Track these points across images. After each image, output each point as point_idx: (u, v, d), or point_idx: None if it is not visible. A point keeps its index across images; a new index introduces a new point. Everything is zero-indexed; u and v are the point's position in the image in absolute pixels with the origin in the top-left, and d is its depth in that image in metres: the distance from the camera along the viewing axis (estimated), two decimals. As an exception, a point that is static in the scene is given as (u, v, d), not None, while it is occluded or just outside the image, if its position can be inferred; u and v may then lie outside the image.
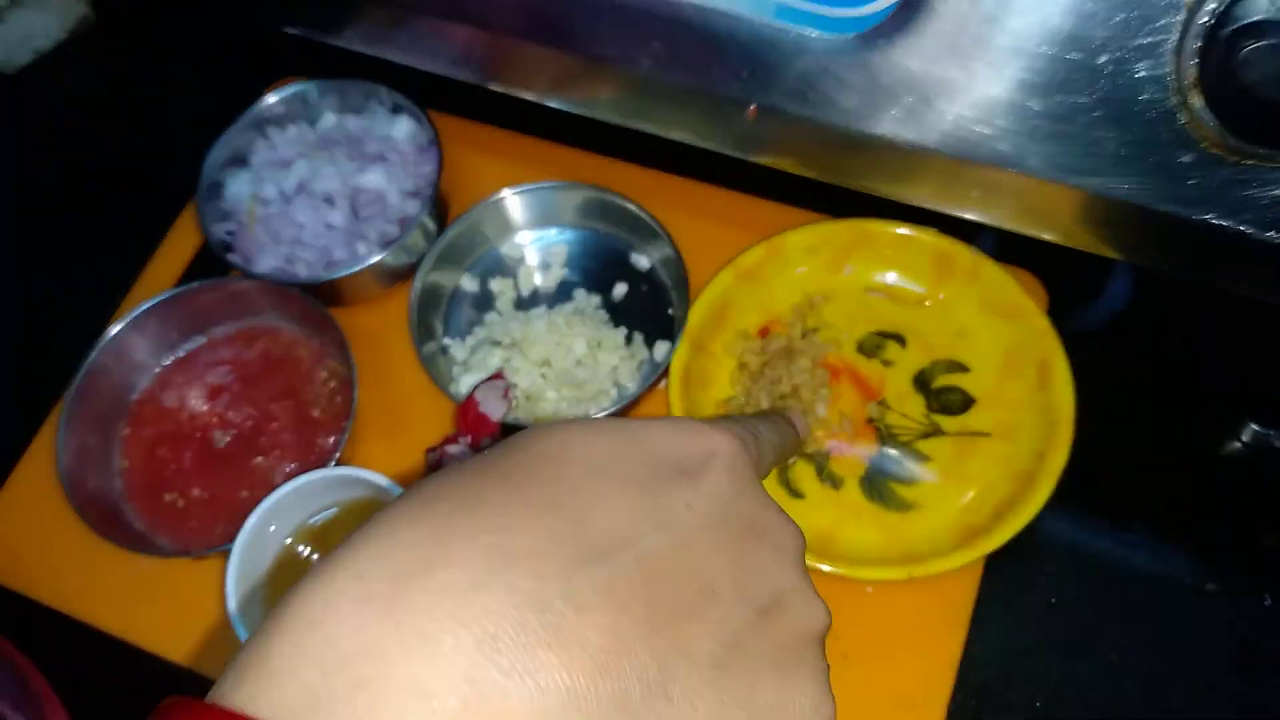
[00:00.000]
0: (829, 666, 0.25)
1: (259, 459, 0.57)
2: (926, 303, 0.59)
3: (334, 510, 0.53)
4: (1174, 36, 0.39)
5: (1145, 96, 0.40)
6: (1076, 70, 0.41)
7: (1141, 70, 0.40)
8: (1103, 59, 0.40)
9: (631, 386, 0.57)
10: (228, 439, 0.58)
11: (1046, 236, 0.48)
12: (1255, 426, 0.55)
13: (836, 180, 0.50)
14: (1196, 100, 0.39)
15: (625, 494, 0.22)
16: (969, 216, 0.48)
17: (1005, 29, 0.40)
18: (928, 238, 0.57)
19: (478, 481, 0.21)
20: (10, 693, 0.49)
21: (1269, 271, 0.44)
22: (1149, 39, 0.39)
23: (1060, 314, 0.57)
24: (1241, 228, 0.42)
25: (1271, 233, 0.41)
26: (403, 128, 0.62)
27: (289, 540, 0.52)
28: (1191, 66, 0.38)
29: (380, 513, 0.20)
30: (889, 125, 0.44)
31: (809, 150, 0.49)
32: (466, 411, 0.53)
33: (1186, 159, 0.41)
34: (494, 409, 0.53)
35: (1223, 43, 0.37)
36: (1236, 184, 0.41)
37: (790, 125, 0.47)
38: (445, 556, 0.19)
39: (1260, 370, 0.57)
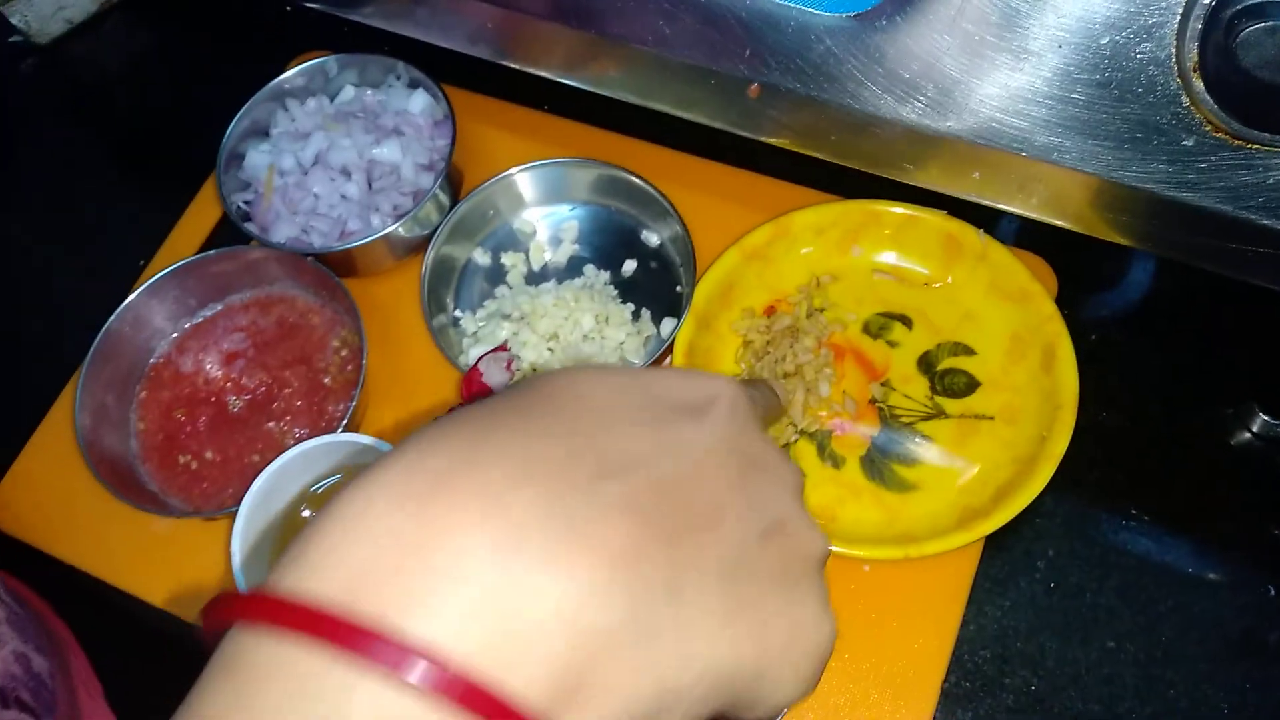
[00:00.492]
0: (829, 590, 0.27)
1: (271, 424, 0.58)
2: (934, 285, 0.58)
3: (339, 476, 0.54)
4: (1176, 18, 0.38)
5: (1147, 79, 0.40)
6: (1079, 52, 0.40)
7: (1144, 52, 0.39)
8: (1104, 40, 0.40)
9: (637, 362, 0.58)
10: (241, 404, 0.59)
11: (1050, 220, 0.48)
12: (1265, 417, 0.55)
13: (838, 159, 0.50)
14: (1198, 83, 0.39)
15: (636, 426, 0.23)
16: (970, 198, 0.48)
17: (1005, 10, 0.40)
18: (936, 220, 0.57)
19: (495, 415, 0.22)
20: (35, 639, 0.51)
21: (1272, 256, 0.43)
22: (1151, 20, 0.39)
23: (1075, 303, 0.57)
24: (1244, 213, 0.41)
25: (1272, 219, 0.41)
26: (418, 102, 0.63)
27: (297, 504, 0.53)
28: (1193, 49, 0.38)
29: (413, 434, 0.22)
30: (888, 105, 0.44)
31: (810, 128, 0.49)
32: (470, 381, 0.54)
33: (1189, 143, 0.41)
34: (496, 379, 0.54)
35: (1223, 25, 0.37)
36: (1239, 168, 0.41)
37: (791, 103, 0.47)
38: (477, 463, 0.20)
39: (1270, 360, 0.56)
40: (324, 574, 0.19)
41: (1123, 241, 0.47)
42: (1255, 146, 0.39)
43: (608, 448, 0.22)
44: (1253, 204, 0.41)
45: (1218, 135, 0.40)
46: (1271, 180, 0.40)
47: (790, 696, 0.24)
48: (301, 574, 0.19)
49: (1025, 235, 0.60)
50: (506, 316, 0.60)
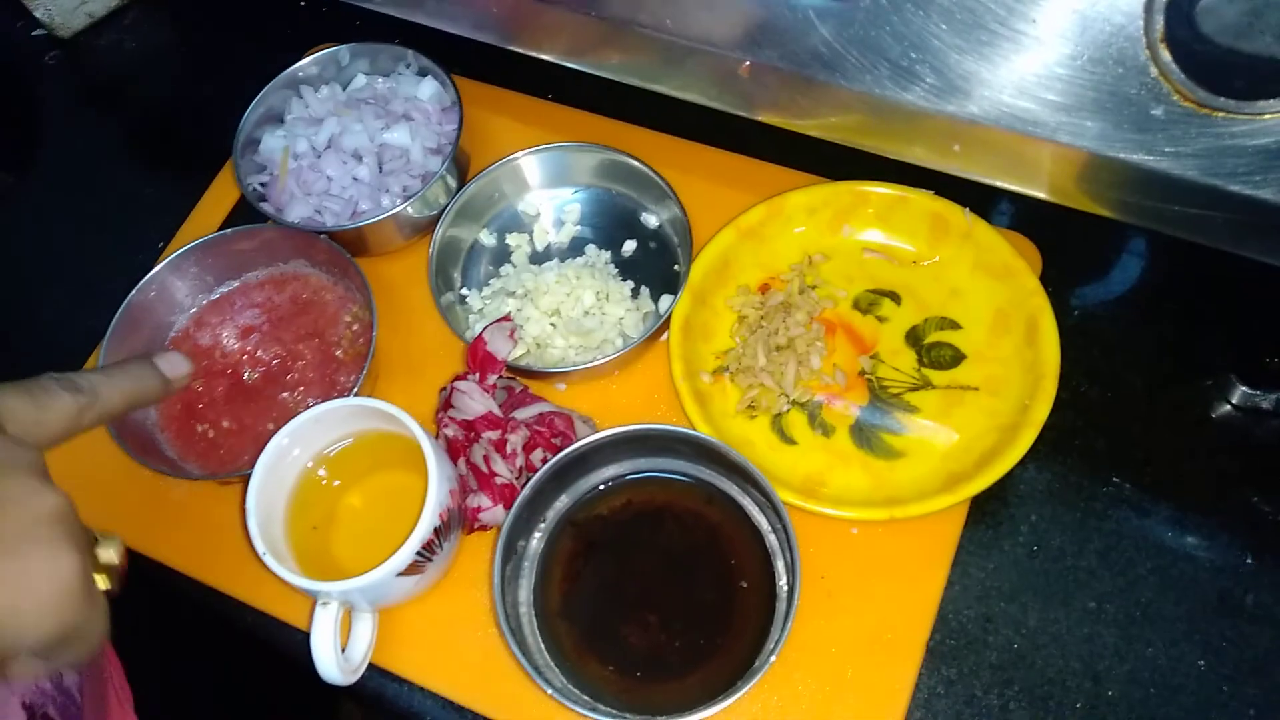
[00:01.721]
0: (85, 536, 0.34)
1: (285, 394, 0.61)
2: (922, 263, 0.61)
3: (350, 440, 0.56)
4: (1144, -9, 0.41)
5: (1117, 51, 0.42)
6: (1050, 26, 0.43)
7: (1113, 25, 0.42)
8: (1074, 14, 0.42)
9: (636, 336, 0.60)
10: (256, 375, 0.62)
11: (1028, 191, 0.50)
12: (1243, 388, 0.57)
13: (825, 134, 0.53)
14: (1165, 54, 0.41)
15: None
16: (952, 171, 0.51)
17: (984, -16, 0.43)
18: (924, 200, 0.59)
19: None
20: None
21: (1241, 223, 0.45)
22: (1121, -7, 0.41)
23: (1059, 280, 0.59)
24: (1212, 179, 0.44)
25: (1239, 184, 0.43)
26: (427, 89, 0.66)
27: (310, 464, 0.55)
28: (1159, 20, 0.40)
29: None
30: (873, 82, 0.47)
31: (803, 106, 0.51)
32: (475, 350, 0.56)
33: (1158, 112, 0.43)
34: (500, 348, 0.56)
35: (1187, -4, 0.39)
36: (1205, 135, 0.43)
37: (784, 82, 0.49)
38: None
39: (1248, 334, 0.58)
40: None
41: (1098, 211, 0.49)
42: (1221, 114, 0.42)
43: None
44: (1220, 170, 0.43)
45: (1185, 104, 0.42)
46: (1236, 146, 0.42)
47: (39, 632, 0.31)
48: None
49: (1011, 215, 0.63)
50: (511, 294, 0.62)
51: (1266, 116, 0.41)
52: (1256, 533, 0.54)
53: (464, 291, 0.64)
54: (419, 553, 0.50)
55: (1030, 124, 0.45)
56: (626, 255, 0.64)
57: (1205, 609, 0.53)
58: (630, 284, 0.62)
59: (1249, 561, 0.54)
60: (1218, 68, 0.40)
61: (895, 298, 0.60)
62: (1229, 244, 0.47)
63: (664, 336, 0.60)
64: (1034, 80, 0.44)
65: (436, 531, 0.50)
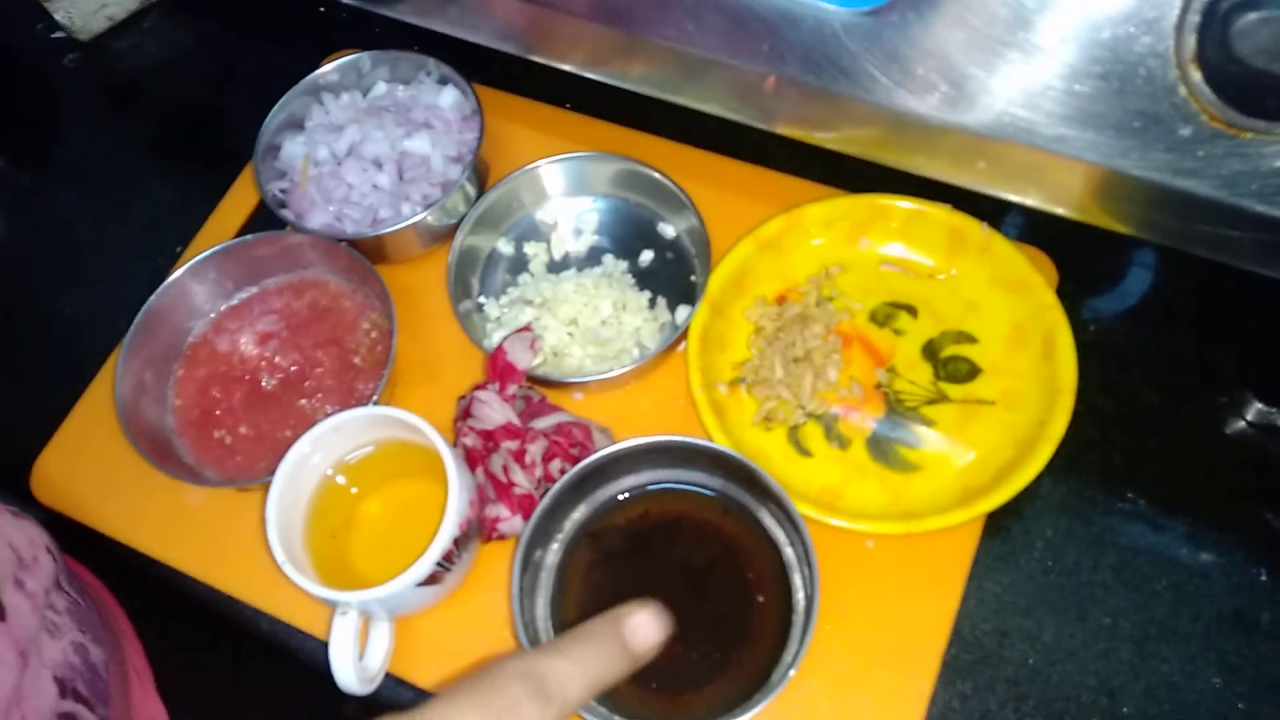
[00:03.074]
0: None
1: (303, 401, 0.61)
2: (939, 276, 0.61)
3: (370, 448, 0.56)
4: (1175, 11, 0.41)
5: (1146, 70, 0.42)
6: (1081, 45, 0.43)
7: (1143, 45, 0.42)
8: (1106, 34, 0.42)
9: (653, 347, 0.60)
10: (275, 382, 0.62)
11: (1052, 209, 0.50)
12: (1259, 404, 0.57)
13: (849, 149, 0.53)
14: (1195, 74, 0.41)
15: None
16: (975, 187, 0.51)
17: (1010, 5, 0.43)
18: (941, 214, 0.59)
19: None
20: (93, 629, 0.53)
21: (1268, 243, 0.45)
22: (1151, 13, 0.41)
23: (1075, 295, 0.59)
24: (1239, 200, 0.44)
25: (1266, 206, 0.43)
26: (448, 97, 0.66)
27: (329, 472, 0.55)
28: (1190, 40, 0.41)
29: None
30: (898, 98, 0.47)
31: (823, 120, 0.51)
32: (496, 360, 0.56)
33: (1186, 132, 0.43)
34: (520, 358, 0.56)
35: (1220, 16, 0.39)
36: (1234, 156, 0.43)
37: (807, 96, 0.50)
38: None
39: (1265, 350, 0.59)
40: None
41: (1122, 229, 0.50)
42: (1250, 135, 0.42)
43: None
44: (1247, 191, 0.43)
45: (1214, 124, 0.42)
46: (1265, 168, 0.42)
47: None
48: None
49: (1028, 229, 0.63)
50: (529, 302, 0.62)
51: (1293, 139, 0.41)
52: (1272, 549, 0.54)
53: (481, 300, 0.64)
54: (438, 563, 0.50)
55: (1056, 141, 0.45)
56: (644, 265, 0.64)
57: (1221, 626, 0.53)
58: (647, 294, 0.63)
59: (1264, 579, 0.54)
60: (1249, 89, 0.40)
61: (912, 311, 0.60)
62: (1255, 264, 0.47)
63: (681, 347, 0.60)
64: (1061, 98, 0.44)
65: (456, 541, 0.51)
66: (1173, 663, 0.52)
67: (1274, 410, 0.56)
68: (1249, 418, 0.57)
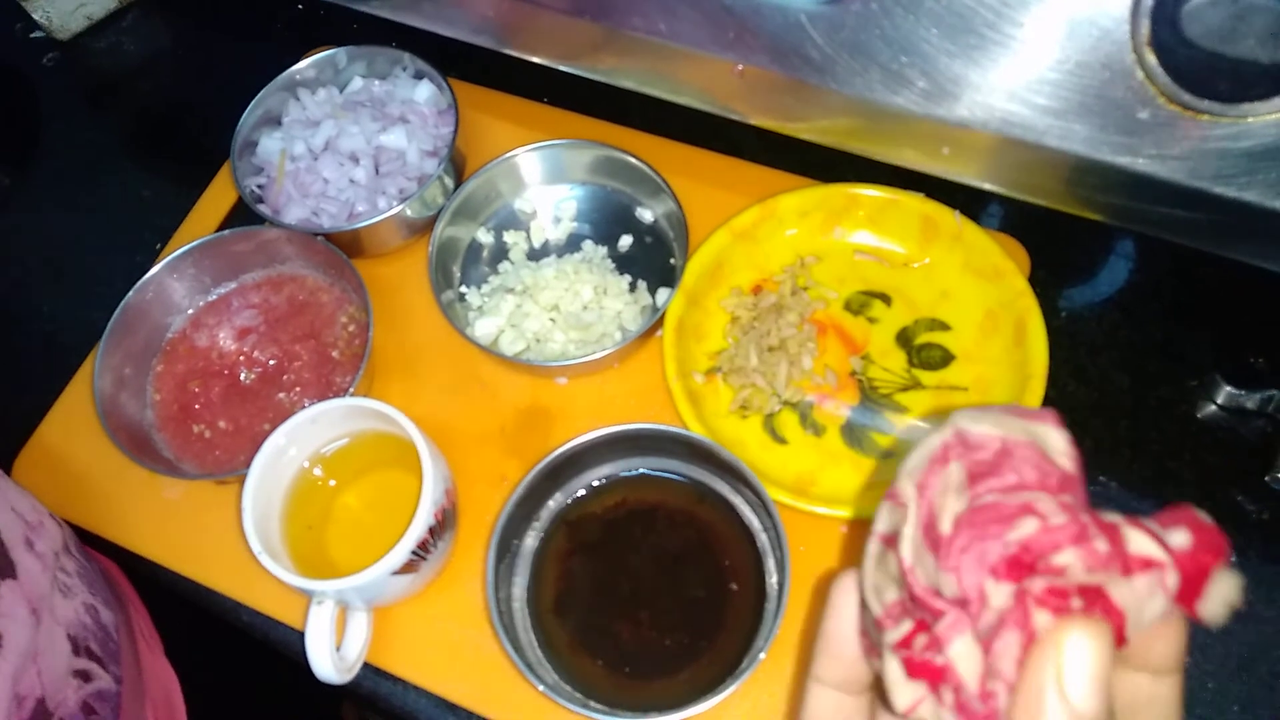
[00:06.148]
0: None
1: (281, 395, 0.61)
2: (912, 264, 0.61)
3: (346, 440, 0.56)
4: (1129, -3, 0.41)
5: (1104, 55, 0.43)
6: (1038, 31, 0.43)
7: (1101, 27, 0.42)
8: (1063, 19, 0.43)
9: (634, 330, 0.60)
10: (253, 376, 0.62)
11: (1016, 194, 0.51)
12: (1229, 388, 0.57)
13: (822, 139, 0.53)
14: (1150, 57, 0.42)
15: None
16: (939, 173, 0.51)
17: (971, -10, 0.43)
18: (914, 203, 0.60)
19: None
20: (102, 592, 0.54)
21: (1228, 225, 0.46)
22: None
23: (1047, 282, 0.59)
24: (1197, 182, 0.44)
25: (1224, 187, 0.44)
26: (424, 92, 0.66)
27: (306, 464, 0.56)
28: (1145, 24, 0.41)
29: None
30: (861, 85, 0.47)
31: (795, 110, 0.52)
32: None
33: (1144, 115, 0.44)
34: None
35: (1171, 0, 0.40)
36: (1192, 139, 0.43)
37: (776, 86, 0.50)
38: None
39: (1233, 334, 0.59)
40: None
41: (1087, 215, 0.50)
42: (1206, 117, 0.42)
43: None
44: (1205, 173, 0.44)
45: (1171, 107, 0.43)
46: (1221, 149, 0.43)
47: None
48: None
49: (1000, 217, 0.63)
50: (510, 290, 0.63)
51: (1250, 119, 0.41)
52: (1241, 531, 0.55)
53: (463, 289, 0.65)
54: (414, 551, 0.50)
55: (1018, 127, 0.46)
56: (623, 250, 0.65)
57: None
58: (628, 278, 0.63)
59: (1234, 560, 0.54)
60: (1203, 71, 0.40)
61: (886, 299, 0.61)
62: (1216, 246, 0.47)
63: (658, 333, 0.60)
64: (1021, 84, 0.45)
65: (431, 530, 0.51)
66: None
67: (1242, 393, 0.57)
68: (1219, 401, 0.58)
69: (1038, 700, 0.20)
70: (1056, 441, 0.23)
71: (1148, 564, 0.22)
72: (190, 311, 0.64)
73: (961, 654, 0.22)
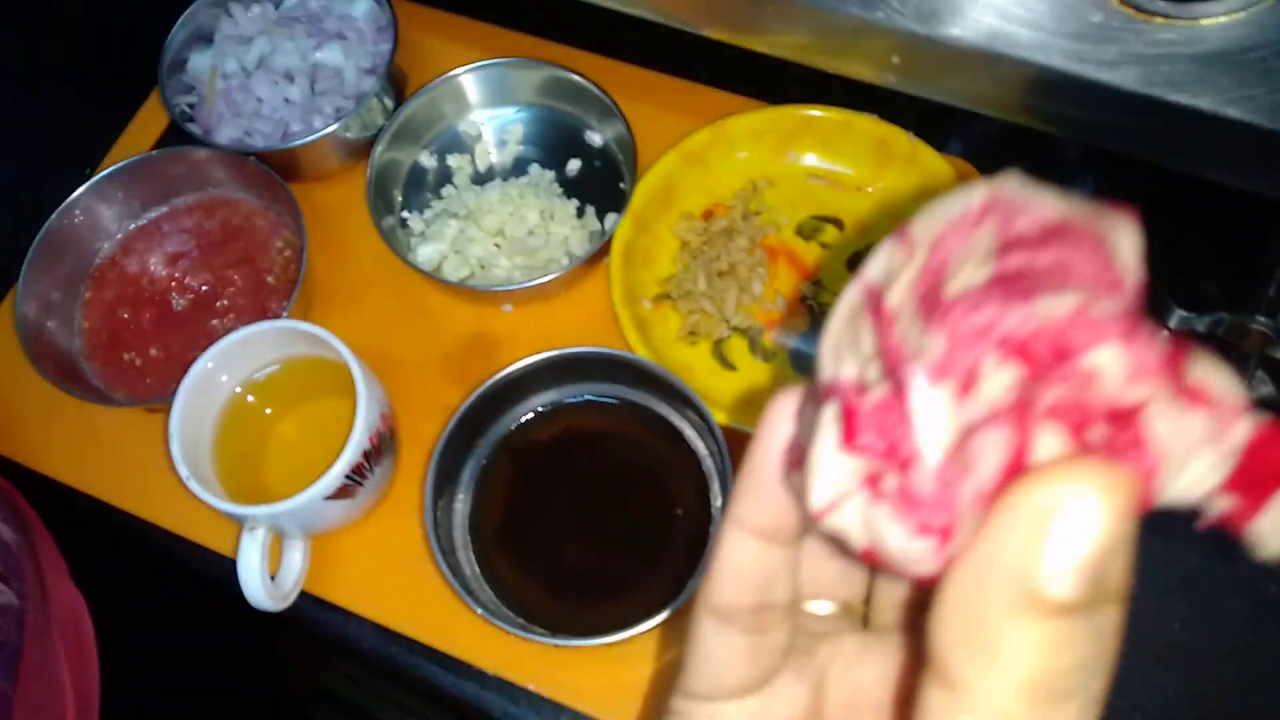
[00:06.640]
0: None
1: (215, 321, 0.59)
2: (866, 189, 0.60)
3: (277, 366, 0.55)
4: (1082, -109, 0.39)
5: (1056, -45, 0.41)
6: (990, -73, 0.42)
7: (1052, -73, 0.41)
8: (1015, -85, 0.41)
9: (581, 255, 0.59)
10: (185, 302, 0.60)
11: (972, 106, 0.49)
12: (1181, 311, 0.57)
13: (768, 49, 0.51)
14: (1103, -44, 0.40)
15: None
16: (893, 85, 0.50)
17: (921, -116, 0.41)
18: (868, 124, 0.58)
19: None
20: (2, 510, 0.52)
21: (1180, 135, 0.45)
22: (1058, -106, 0.40)
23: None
24: (1150, 89, 0.43)
25: (1178, 94, 0.43)
26: (361, 7, 0.64)
27: (239, 390, 0.54)
28: (1097, -79, 0.39)
29: None
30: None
31: (739, 18, 0.50)
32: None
33: (1097, 18, 0.42)
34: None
35: (1124, -106, 0.38)
36: (1144, 42, 0.42)
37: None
38: None
39: (1182, 256, 0.58)
40: None
41: (1044, 127, 0.49)
42: (1159, 19, 0.41)
43: None
44: (1157, 79, 0.42)
45: (1123, 9, 0.41)
46: (1173, 54, 0.41)
47: None
48: None
49: (956, 143, 0.62)
50: (454, 215, 0.61)
51: (1203, 22, 0.40)
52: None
53: (405, 214, 0.63)
54: (348, 476, 0.49)
55: (967, 33, 0.44)
56: (571, 174, 0.63)
57: (1138, 531, 0.53)
58: (575, 203, 0.61)
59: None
60: (1154, -30, 0.39)
61: (839, 224, 0.59)
62: (1170, 158, 0.46)
63: (605, 260, 0.58)
64: (972, -13, 0.43)
65: (366, 455, 0.49)
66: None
67: (1193, 315, 0.56)
68: (1171, 325, 0.57)
69: (988, 567, 0.14)
70: (1129, 242, 0.17)
71: (1209, 400, 0.15)
72: (120, 236, 0.62)
73: (926, 405, 0.15)
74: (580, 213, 0.61)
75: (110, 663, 0.55)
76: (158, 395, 0.57)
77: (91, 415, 0.59)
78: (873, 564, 0.16)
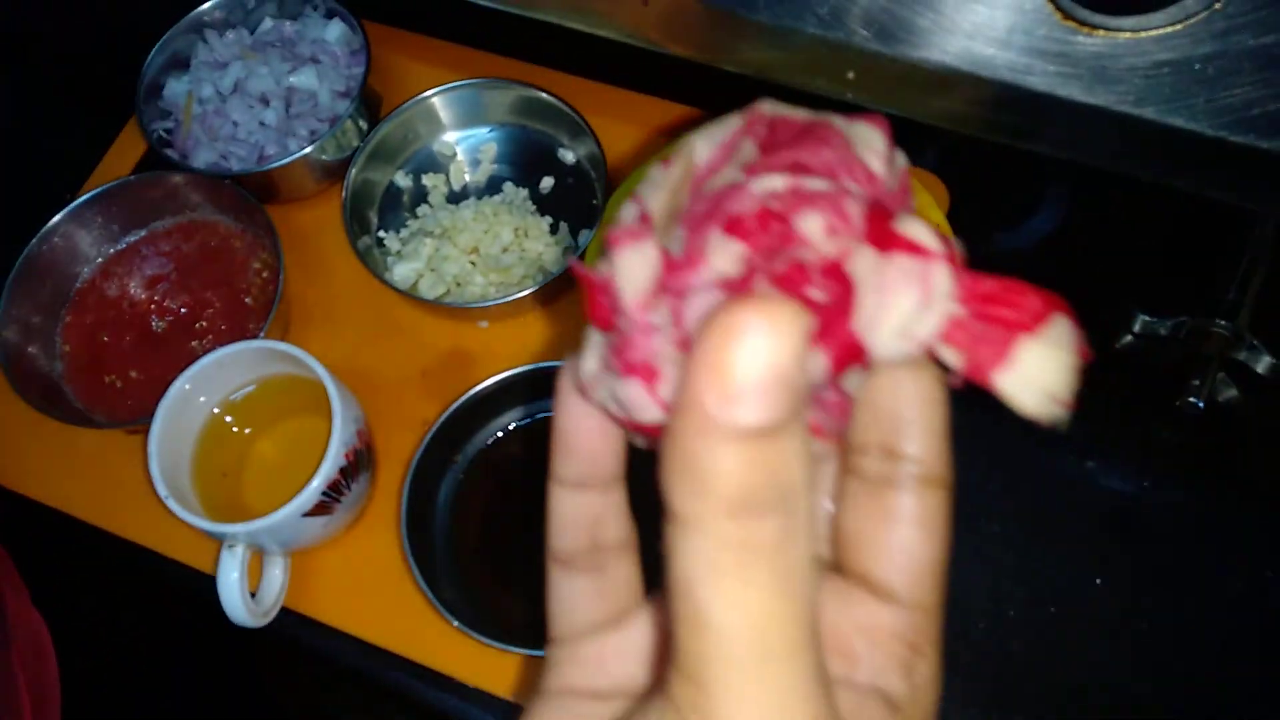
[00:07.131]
0: None
1: (194, 343, 0.60)
2: (833, 199, 0.61)
3: (253, 386, 0.55)
4: (1026, -90, 0.41)
5: (1002, -29, 0.42)
6: (938, -54, 0.43)
7: (998, -55, 0.42)
8: (961, -66, 0.42)
9: (555, 272, 0.60)
10: (164, 324, 0.61)
11: (923, 119, 0.50)
12: (1145, 317, 0.58)
13: (734, 68, 0.53)
14: (1047, -28, 0.41)
15: None
16: (849, 99, 0.51)
17: (870, -95, 0.43)
18: (834, 136, 0.59)
19: None
20: None
21: (1128, 144, 0.46)
22: (1002, -87, 0.41)
23: (966, 218, 0.59)
24: (1095, 99, 0.44)
25: (1122, 104, 0.44)
26: (335, 31, 0.65)
27: (216, 410, 0.55)
28: (1040, -62, 0.41)
29: None
30: (763, 9, 0.47)
31: (704, 39, 0.51)
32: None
33: (1041, 32, 0.43)
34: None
35: (1065, -88, 0.39)
36: (1088, 55, 0.43)
37: (678, 10, 0.49)
38: None
39: (1146, 263, 0.60)
40: None
41: (996, 138, 0.50)
42: (1102, 32, 0.42)
43: None
44: (1101, 90, 0.43)
45: (1066, 23, 0.42)
46: (1117, 66, 0.43)
47: None
48: None
49: (920, 155, 0.63)
50: (429, 234, 0.62)
51: (1142, 34, 0.41)
52: (1153, 457, 0.56)
53: (381, 234, 0.63)
54: (325, 493, 0.49)
55: (917, 47, 0.45)
56: (545, 192, 0.64)
57: (1105, 530, 0.54)
58: (549, 220, 0.62)
59: (1146, 485, 0.55)
60: (1095, -16, 0.40)
61: (807, 235, 0.61)
62: (1121, 166, 0.47)
63: (579, 277, 0.59)
64: (919, 3, 0.44)
65: (343, 471, 0.50)
66: (1058, 567, 0.53)
67: (1156, 320, 0.57)
68: (1135, 330, 0.58)
69: (684, 402, 0.15)
70: (873, 139, 0.18)
71: (913, 248, 0.17)
72: (99, 260, 0.62)
73: (624, 264, 0.17)
74: (554, 229, 0.62)
75: (87, 681, 0.56)
76: (138, 416, 0.58)
77: (73, 437, 0.59)
78: (636, 431, 0.19)
